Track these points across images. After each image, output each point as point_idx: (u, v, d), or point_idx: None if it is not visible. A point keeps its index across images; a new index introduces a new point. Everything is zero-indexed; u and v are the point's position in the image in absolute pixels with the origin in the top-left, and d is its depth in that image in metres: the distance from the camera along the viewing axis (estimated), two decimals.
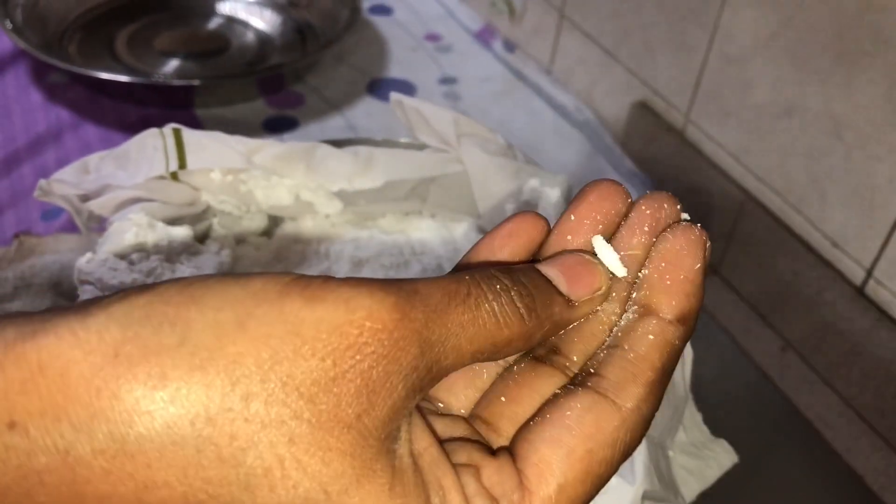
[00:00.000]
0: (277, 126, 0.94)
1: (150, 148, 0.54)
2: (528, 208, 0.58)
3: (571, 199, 0.31)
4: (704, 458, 0.49)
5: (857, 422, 0.75)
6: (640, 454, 0.39)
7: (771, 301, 0.83)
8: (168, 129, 0.55)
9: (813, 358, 0.79)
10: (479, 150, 0.57)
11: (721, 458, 0.50)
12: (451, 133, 0.58)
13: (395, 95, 0.61)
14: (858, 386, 0.75)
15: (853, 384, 0.75)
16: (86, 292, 0.48)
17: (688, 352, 0.45)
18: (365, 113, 0.99)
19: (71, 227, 0.73)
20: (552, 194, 0.56)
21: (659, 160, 0.95)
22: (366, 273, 0.55)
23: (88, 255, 0.50)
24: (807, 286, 0.78)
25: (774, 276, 0.81)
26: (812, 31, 0.73)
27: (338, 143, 0.58)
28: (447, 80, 1.06)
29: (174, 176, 0.55)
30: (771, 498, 0.62)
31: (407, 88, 1.04)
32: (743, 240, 0.85)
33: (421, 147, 0.62)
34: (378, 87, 1.03)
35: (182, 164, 0.54)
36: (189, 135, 0.54)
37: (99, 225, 0.60)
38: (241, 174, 0.55)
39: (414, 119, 0.61)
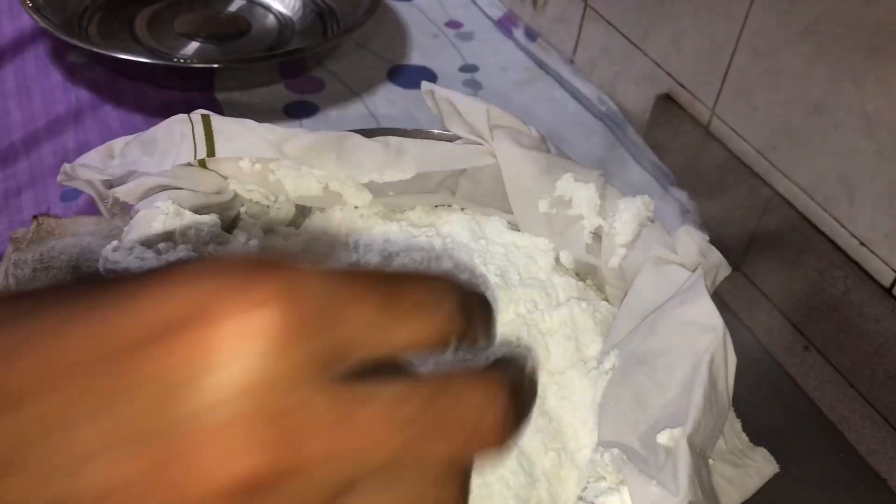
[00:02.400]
0: (297, 111, 0.93)
1: (178, 134, 0.53)
2: (561, 204, 0.57)
3: None
4: (745, 466, 0.48)
5: (882, 424, 0.74)
6: (684, 464, 0.38)
7: (794, 300, 0.82)
8: (196, 115, 0.54)
9: (836, 358, 0.78)
10: (512, 142, 0.56)
11: (762, 467, 0.49)
12: (483, 125, 0.57)
13: (426, 84, 0.60)
14: (883, 388, 0.74)
15: (877, 386, 0.75)
16: None
17: (731, 358, 0.44)
18: (385, 100, 0.98)
19: (90, 209, 0.72)
20: (586, 190, 0.55)
21: (682, 154, 0.94)
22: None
23: (114, 243, 0.49)
24: (832, 286, 0.77)
25: (799, 274, 0.81)
26: (846, 26, 0.72)
27: (367, 133, 0.57)
28: (468, 68, 1.05)
29: (202, 163, 0.54)
30: (792, 498, 0.61)
31: (427, 76, 1.03)
32: (767, 237, 0.84)
33: (452, 138, 0.60)
34: (398, 74, 1.02)
35: (211, 152, 0.53)
36: (218, 122, 0.53)
37: (120, 210, 0.59)
38: (270, 163, 0.54)
39: (445, 109, 0.59)
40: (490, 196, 0.59)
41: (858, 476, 0.68)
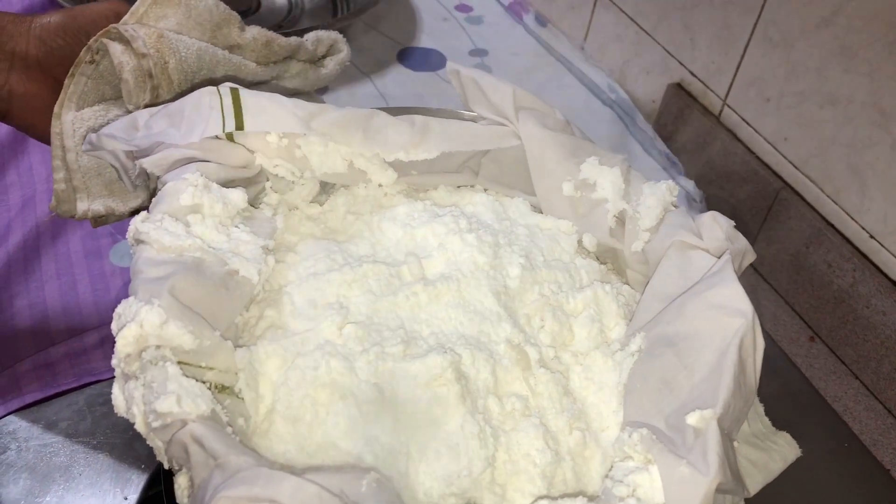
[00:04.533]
0: None
1: (206, 107, 0.53)
2: (585, 187, 0.57)
3: None
4: (769, 450, 0.49)
5: (885, 415, 0.75)
6: (714, 444, 0.39)
7: (802, 290, 0.83)
8: (225, 87, 0.53)
9: (841, 350, 0.79)
10: (538, 125, 0.56)
11: (785, 451, 0.50)
12: (509, 106, 0.57)
13: (451, 65, 0.60)
14: (888, 380, 0.75)
15: (882, 378, 0.75)
16: (142, 251, 0.47)
17: (759, 342, 0.44)
18: (395, 82, 0.98)
19: None
20: (611, 174, 0.55)
21: (692, 143, 0.94)
22: None
23: (143, 214, 0.49)
24: (840, 278, 0.78)
25: (807, 265, 0.81)
26: (864, 20, 0.72)
27: (393, 111, 0.57)
28: (477, 52, 1.05)
29: (230, 137, 0.53)
30: (796, 487, 0.62)
31: (436, 59, 1.03)
32: (776, 228, 0.85)
33: (476, 119, 0.61)
34: (408, 56, 1.02)
35: (240, 125, 0.53)
36: (247, 96, 0.53)
37: (144, 182, 0.58)
38: (297, 139, 0.54)
39: (469, 90, 0.59)
40: (512, 178, 0.59)
41: (862, 466, 0.69)
